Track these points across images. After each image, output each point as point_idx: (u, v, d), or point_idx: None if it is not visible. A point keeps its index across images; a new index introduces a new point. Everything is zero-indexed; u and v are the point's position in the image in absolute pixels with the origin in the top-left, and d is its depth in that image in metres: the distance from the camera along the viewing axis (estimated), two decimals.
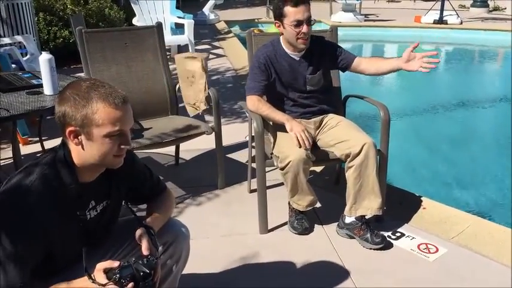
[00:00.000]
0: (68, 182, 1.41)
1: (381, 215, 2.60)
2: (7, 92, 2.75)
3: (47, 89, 2.71)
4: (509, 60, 9.26)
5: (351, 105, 2.98)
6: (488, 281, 2.26)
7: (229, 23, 10.46)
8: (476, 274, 2.32)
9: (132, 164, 1.63)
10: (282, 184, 2.81)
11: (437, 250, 2.49)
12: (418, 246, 2.52)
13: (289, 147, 2.48)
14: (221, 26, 10.19)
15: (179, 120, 3.19)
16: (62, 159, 1.41)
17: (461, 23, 10.41)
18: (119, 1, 8.37)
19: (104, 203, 1.56)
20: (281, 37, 2.67)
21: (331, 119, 2.74)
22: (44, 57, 2.68)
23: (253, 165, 2.75)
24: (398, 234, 2.63)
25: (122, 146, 1.43)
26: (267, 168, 2.65)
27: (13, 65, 4.21)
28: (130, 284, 1.34)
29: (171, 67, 3.33)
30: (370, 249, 2.49)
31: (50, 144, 3.54)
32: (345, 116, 2.89)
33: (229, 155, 3.60)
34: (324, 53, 2.69)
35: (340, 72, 2.91)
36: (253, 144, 2.68)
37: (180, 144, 3.35)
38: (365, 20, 11.01)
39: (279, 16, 2.58)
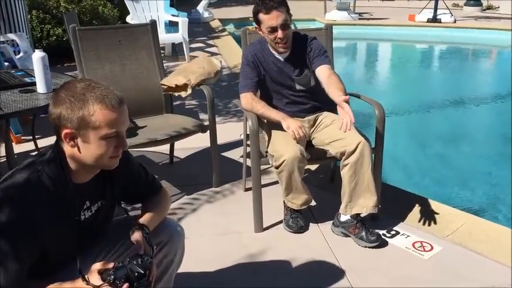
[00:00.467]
0: (62, 183, 1.39)
1: (376, 213, 2.60)
2: (0, 90, 2.72)
3: (40, 87, 2.69)
4: (503, 59, 9.31)
5: None
6: (483, 279, 2.27)
7: (224, 21, 10.43)
8: (471, 272, 2.32)
9: (127, 163, 1.62)
10: (277, 182, 2.80)
11: (432, 248, 2.50)
12: (413, 244, 2.53)
13: (283, 146, 2.47)
14: (215, 24, 10.17)
15: (174, 118, 3.18)
16: (56, 161, 1.39)
17: (454, 22, 10.44)
18: None
19: (99, 203, 1.55)
20: None
21: (326, 117, 2.73)
22: (37, 55, 2.66)
23: (248, 163, 2.74)
24: (393, 233, 2.63)
25: (118, 148, 1.41)
26: (262, 167, 2.65)
27: (6, 63, 4.18)
28: (125, 285, 1.33)
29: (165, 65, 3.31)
30: (365, 247, 2.49)
31: (43, 142, 3.52)
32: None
33: (224, 154, 3.59)
34: (306, 53, 2.67)
35: (335, 70, 2.90)
36: (248, 142, 2.67)
37: (175, 143, 3.34)
38: (359, 19, 11.02)
39: (257, 22, 2.60)
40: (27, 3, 5.63)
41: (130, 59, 3.16)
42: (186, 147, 3.56)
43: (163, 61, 3.32)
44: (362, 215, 2.58)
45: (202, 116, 4.27)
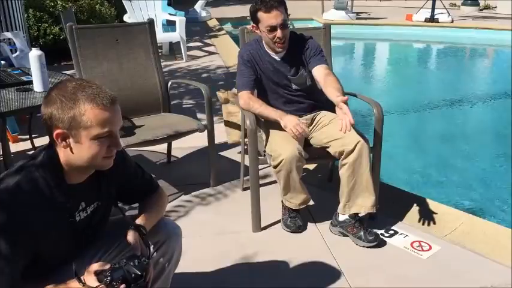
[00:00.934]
0: (55, 185, 1.38)
1: (374, 212, 2.60)
2: None
3: (37, 86, 2.67)
4: (500, 58, 9.33)
5: None
6: (481, 279, 2.26)
7: (221, 21, 10.41)
8: (469, 272, 2.32)
9: (123, 163, 1.60)
10: (275, 182, 2.80)
11: (430, 248, 2.49)
12: (412, 244, 2.52)
13: (282, 145, 2.46)
14: (213, 23, 10.15)
15: (171, 117, 3.17)
16: (49, 162, 1.38)
17: (452, 22, 10.45)
18: None
19: (95, 204, 1.53)
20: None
21: (324, 116, 2.73)
22: (34, 54, 2.64)
23: (246, 163, 2.74)
24: (391, 232, 2.62)
25: (111, 148, 1.40)
26: (260, 166, 2.64)
27: (2, 62, 4.16)
28: (122, 286, 1.31)
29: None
30: (364, 247, 2.49)
31: (40, 141, 3.51)
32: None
33: (222, 153, 3.58)
34: (302, 52, 2.66)
35: (333, 70, 2.90)
36: (246, 141, 2.66)
37: (172, 142, 3.32)
38: (357, 18, 11.02)
39: (255, 20, 2.58)
40: (24, 2, 5.61)
41: (128, 57, 3.15)
42: (183, 146, 3.55)
43: (161, 60, 3.31)
44: (360, 215, 2.57)
45: (200, 115, 4.26)
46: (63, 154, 1.38)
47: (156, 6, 7.05)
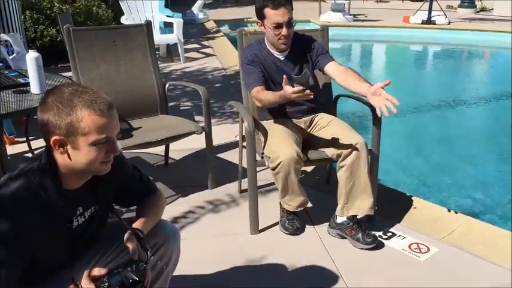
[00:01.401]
0: (53, 190, 1.37)
1: (372, 214, 2.60)
2: None
3: (34, 88, 2.67)
4: (496, 60, 9.36)
5: (341, 105, 2.97)
6: (479, 281, 2.26)
7: (218, 22, 10.42)
8: (467, 274, 2.32)
9: (121, 167, 1.59)
10: (273, 184, 2.80)
11: (428, 250, 2.49)
12: (410, 246, 2.52)
13: (280, 147, 2.46)
14: (210, 25, 10.15)
15: (169, 119, 3.16)
16: (46, 167, 1.37)
17: (449, 23, 10.48)
18: None
19: (92, 208, 1.52)
20: (265, 36, 2.66)
21: (322, 118, 2.73)
22: (31, 56, 2.64)
23: (244, 165, 2.73)
24: (389, 234, 2.62)
25: (109, 153, 1.39)
26: (258, 168, 2.63)
27: None
28: None
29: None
30: (362, 249, 2.48)
31: (36, 143, 3.49)
32: (335, 116, 2.88)
33: (220, 155, 3.57)
34: (307, 52, 2.67)
35: None
36: (244, 143, 2.66)
37: (170, 144, 3.32)
38: (354, 20, 11.04)
39: (260, 16, 2.57)
40: (20, 4, 5.59)
41: (125, 59, 3.14)
42: (181, 148, 3.54)
43: (158, 62, 3.30)
44: (358, 217, 2.57)
45: (198, 117, 4.25)
46: (60, 160, 1.37)
47: (153, 8, 7.04)
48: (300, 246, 2.54)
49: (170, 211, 2.83)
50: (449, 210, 2.84)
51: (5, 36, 4.84)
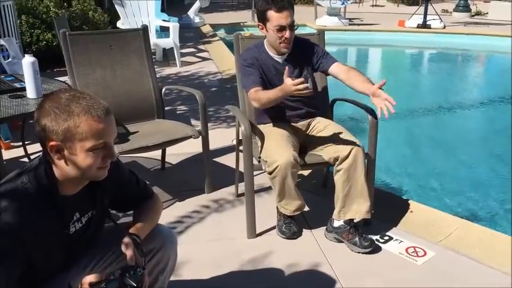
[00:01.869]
0: (49, 197, 1.36)
1: (369, 218, 2.60)
2: None
3: (31, 93, 2.66)
4: (492, 64, 9.41)
5: (338, 108, 2.98)
6: (476, 284, 2.27)
7: (215, 27, 10.43)
8: (464, 277, 2.32)
9: (117, 171, 1.59)
10: (270, 188, 2.79)
11: (425, 253, 2.49)
12: (406, 249, 2.52)
13: (277, 151, 2.46)
14: (206, 29, 10.16)
15: (165, 124, 3.16)
16: (42, 173, 1.36)
17: (444, 27, 10.54)
18: (103, 4, 8.30)
19: (89, 213, 1.52)
20: (265, 40, 2.66)
21: (319, 122, 2.73)
22: (28, 60, 2.63)
23: (241, 169, 2.73)
24: (386, 238, 2.62)
25: (106, 159, 1.38)
26: (255, 172, 2.63)
27: None
28: None
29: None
30: (359, 253, 2.48)
31: (32, 148, 3.48)
32: (332, 119, 2.89)
33: (216, 159, 3.57)
34: (307, 55, 2.68)
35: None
36: (241, 148, 2.66)
37: (167, 148, 3.31)
38: (349, 24, 11.07)
39: (262, 19, 2.57)
40: (16, 8, 5.59)
41: (122, 64, 3.14)
42: (177, 152, 3.53)
43: (155, 66, 3.30)
44: (355, 221, 2.57)
45: (194, 121, 4.25)
46: (57, 166, 1.37)
47: (149, 12, 7.05)
48: (297, 250, 2.54)
49: (167, 215, 2.82)
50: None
51: (0, 41, 4.84)
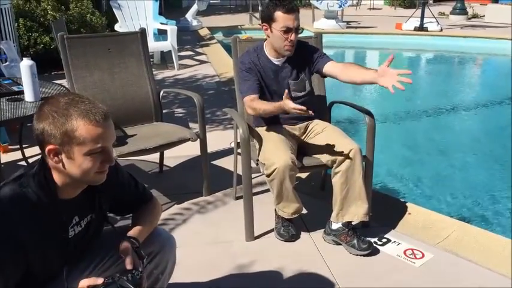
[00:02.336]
0: (48, 200, 1.36)
1: (367, 221, 2.60)
2: None
3: (28, 96, 2.66)
4: (488, 66, 9.44)
5: (335, 111, 2.98)
6: (474, 286, 2.27)
7: (212, 30, 10.44)
8: (462, 279, 2.33)
9: (116, 175, 1.59)
10: (268, 191, 2.80)
11: (423, 256, 2.50)
12: (404, 251, 2.53)
13: (275, 154, 2.46)
14: (204, 32, 10.17)
15: (164, 127, 3.16)
16: (40, 177, 1.36)
17: (441, 30, 10.56)
18: (100, 7, 8.29)
19: (88, 217, 1.52)
20: (265, 42, 2.67)
21: (317, 125, 2.74)
22: (25, 64, 2.63)
23: (239, 171, 2.73)
24: (384, 240, 2.63)
25: (104, 163, 1.38)
26: (253, 175, 2.64)
27: None
28: None
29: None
30: (357, 255, 2.49)
31: (30, 151, 3.48)
32: (330, 122, 2.89)
33: (214, 162, 3.57)
34: (304, 57, 2.68)
35: (325, 78, 2.91)
36: (239, 150, 2.66)
37: (165, 151, 3.31)
38: (347, 27, 11.09)
39: (268, 19, 2.57)
40: (14, 12, 5.59)
41: (120, 67, 3.14)
42: (176, 155, 3.53)
43: (153, 69, 3.30)
44: (353, 223, 2.57)
45: (192, 124, 4.25)
46: (55, 170, 1.37)
47: (147, 15, 7.05)
48: (295, 252, 2.54)
49: (165, 218, 2.82)
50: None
51: None
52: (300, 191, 2.72)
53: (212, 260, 2.46)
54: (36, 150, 3.50)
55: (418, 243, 2.60)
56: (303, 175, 3.32)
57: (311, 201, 2.96)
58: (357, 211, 2.52)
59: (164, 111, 3.36)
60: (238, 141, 2.66)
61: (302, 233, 2.70)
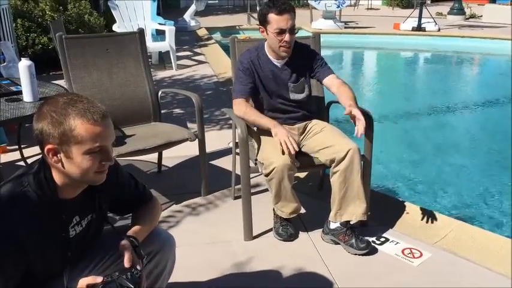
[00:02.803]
0: (48, 200, 1.36)
1: (366, 220, 2.61)
2: None
3: (27, 96, 2.66)
4: (486, 66, 9.46)
5: (334, 111, 2.99)
6: (472, 285, 2.28)
7: (210, 30, 10.44)
8: (460, 278, 2.33)
9: (116, 175, 1.59)
10: (266, 190, 2.80)
11: (421, 255, 2.50)
12: (403, 251, 2.54)
13: (273, 154, 2.47)
14: (202, 32, 10.17)
15: (162, 127, 3.16)
16: (41, 177, 1.36)
17: (439, 30, 10.58)
18: (98, 7, 8.29)
19: (89, 217, 1.52)
20: (266, 43, 2.67)
21: (315, 124, 2.74)
22: (24, 64, 2.63)
23: (237, 171, 2.74)
24: (382, 239, 2.63)
25: (103, 163, 1.39)
26: (251, 175, 2.64)
27: None
28: None
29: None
30: (355, 254, 2.49)
31: (29, 152, 3.48)
32: (328, 122, 2.90)
33: (213, 162, 3.57)
34: (306, 61, 2.70)
35: None
36: (237, 150, 2.66)
37: (163, 151, 3.31)
38: (345, 27, 11.10)
39: (263, 22, 2.58)
40: (12, 12, 5.58)
41: (118, 67, 3.14)
42: (174, 155, 3.54)
43: (151, 69, 3.31)
44: (352, 222, 2.58)
45: (190, 124, 4.25)
46: (55, 170, 1.37)
47: (145, 15, 7.04)
48: (293, 252, 2.55)
49: (163, 218, 2.83)
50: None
51: None
52: (299, 190, 2.72)
53: (211, 260, 2.47)
54: (34, 150, 3.50)
55: (416, 242, 2.61)
56: (301, 175, 3.33)
57: (309, 200, 2.97)
58: (355, 210, 2.52)
59: (162, 111, 3.36)
60: (237, 141, 2.66)
61: (300, 232, 2.70)
